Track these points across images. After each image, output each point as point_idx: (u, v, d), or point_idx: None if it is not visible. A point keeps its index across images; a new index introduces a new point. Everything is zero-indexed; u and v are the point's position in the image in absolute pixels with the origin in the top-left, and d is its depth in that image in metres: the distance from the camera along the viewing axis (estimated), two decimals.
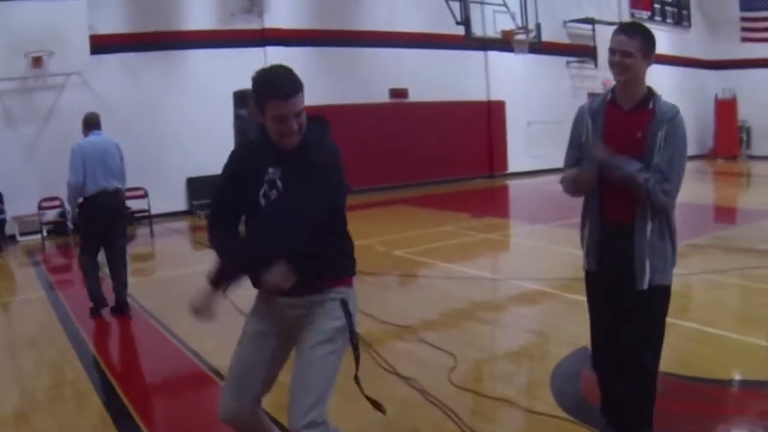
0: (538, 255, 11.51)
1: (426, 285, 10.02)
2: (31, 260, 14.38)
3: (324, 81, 20.91)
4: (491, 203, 20.74)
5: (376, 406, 3.90)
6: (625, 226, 4.21)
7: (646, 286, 4.16)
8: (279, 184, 3.68)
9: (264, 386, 3.88)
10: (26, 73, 17.02)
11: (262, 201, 3.69)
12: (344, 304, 3.75)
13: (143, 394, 6.48)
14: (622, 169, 4.06)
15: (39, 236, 16.65)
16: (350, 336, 3.75)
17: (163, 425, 5.74)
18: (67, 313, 9.56)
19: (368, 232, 14.42)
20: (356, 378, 3.78)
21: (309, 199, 3.61)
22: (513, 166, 25.81)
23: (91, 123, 9.15)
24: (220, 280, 3.75)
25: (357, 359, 3.79)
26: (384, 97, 23.01)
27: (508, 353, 7.10)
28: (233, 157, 3.90)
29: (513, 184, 23.99)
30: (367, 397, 3.83)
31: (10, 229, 16.90)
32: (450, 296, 9.09)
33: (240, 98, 10.74)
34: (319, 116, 3.86)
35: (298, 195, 3.64)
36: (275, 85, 3.53)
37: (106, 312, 9.13)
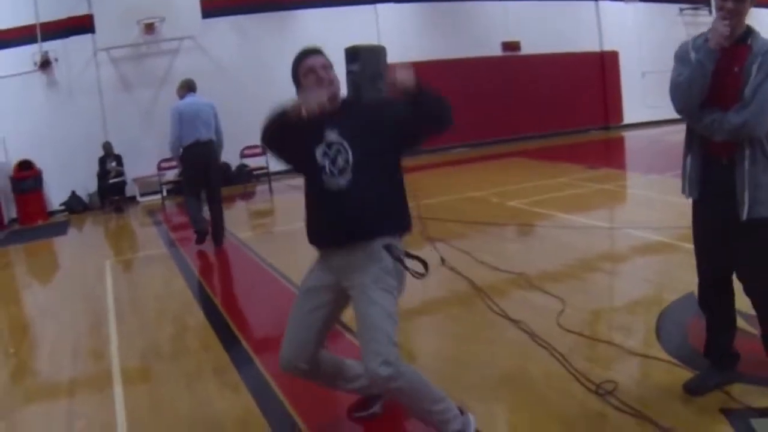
0: (654, 205, 11.20)
1: (541, 234, 9.86)
2: (152, 219, 14.81)
3: (435, 36, 20.83)
4: (606, 155, 20.28)
5: (422, 263, 4.10)
6: (725, 159, 4.13)
7: (745, 217, 4.05)
8: (340, 140, 3.91)
9: (320, 338, 4.11)
10: (139, 40, 17.46)
11: (327, 163, 3.91)
12: (388, 247, 3.92)
13: (263, 340, 6.57)
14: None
15: (159, 196, 17.14)
16: (398, 276, 3.97)
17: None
18: (188, 266, 9.80)
19: (483, 184, 14.37)
20: (419, 258, 4.11)
21: (378, 137, 3.91)
22: (628, 117, 25.12)
23: (188, 87, 10.62)
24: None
25: (424, 265, 4.10)
26: (496, 51, 22.64)
27: (618, 300, 6.99)
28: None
29: (628, 136, 23.38)
30: (415, 257, 4.07)
31: (131, 190, 17.45)
32: (564, 245, 8.92)
33: (351, 54, 10.67)
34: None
35: (364, 151, 3.88)
36: (304, 50, 4.13)
37: (227, 264, 9.65)
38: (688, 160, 4.34)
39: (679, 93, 4.15)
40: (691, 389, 4.47)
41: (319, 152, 3.90)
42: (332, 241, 4.00)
